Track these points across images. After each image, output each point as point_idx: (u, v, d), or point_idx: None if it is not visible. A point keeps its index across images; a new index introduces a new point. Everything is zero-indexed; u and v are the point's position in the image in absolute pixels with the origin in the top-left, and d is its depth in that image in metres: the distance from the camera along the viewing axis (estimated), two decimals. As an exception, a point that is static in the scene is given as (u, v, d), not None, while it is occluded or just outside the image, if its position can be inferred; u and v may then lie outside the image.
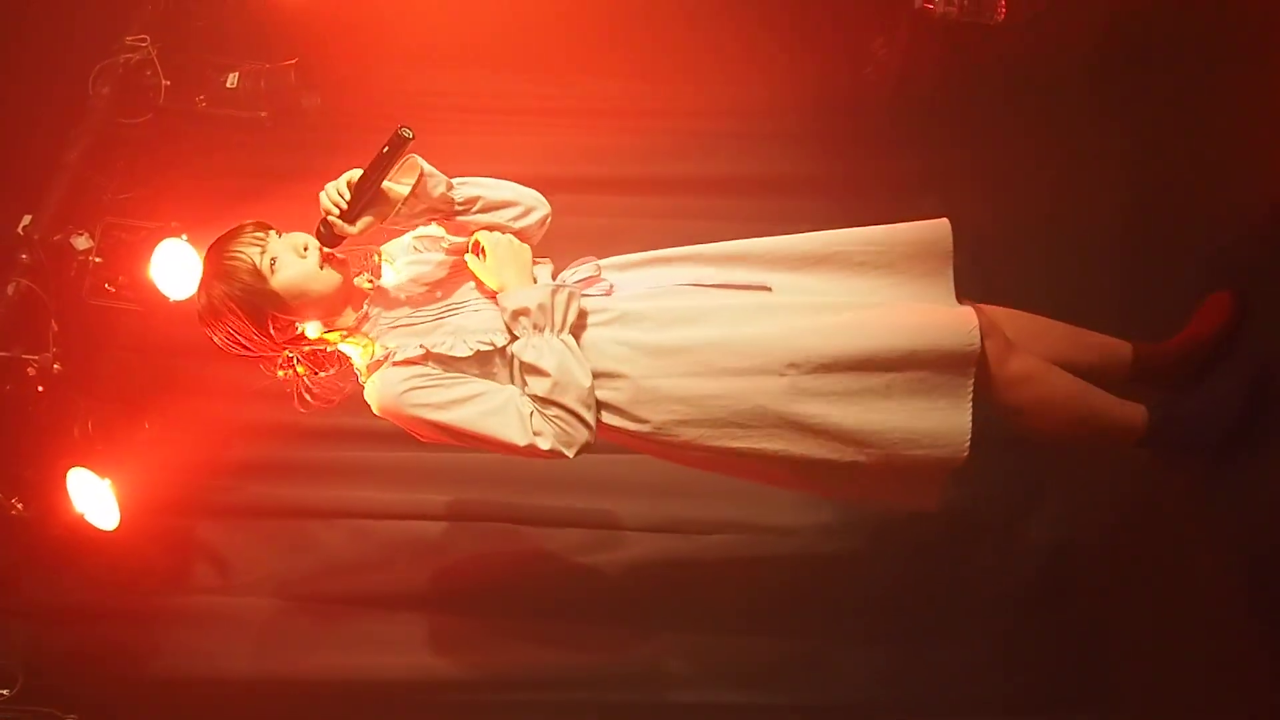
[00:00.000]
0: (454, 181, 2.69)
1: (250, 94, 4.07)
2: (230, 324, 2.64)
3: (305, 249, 2.62)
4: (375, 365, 2.67)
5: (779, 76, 4.56)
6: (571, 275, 2.84)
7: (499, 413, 2.61)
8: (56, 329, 3.53)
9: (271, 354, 2.71)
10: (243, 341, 2.67)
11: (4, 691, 3.10)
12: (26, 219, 3.61)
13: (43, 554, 3.54)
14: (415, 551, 3.81)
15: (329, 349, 2.74)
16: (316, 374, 2.76)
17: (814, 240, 2.86)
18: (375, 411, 2.69)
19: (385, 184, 2.54)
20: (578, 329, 2.69)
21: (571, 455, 2.61)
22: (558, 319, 2.62)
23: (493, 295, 2.72)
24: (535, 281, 2.71)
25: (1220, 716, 3.03)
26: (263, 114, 4.08)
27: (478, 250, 2.70)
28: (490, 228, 2.74)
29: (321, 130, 4.13)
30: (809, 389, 2.66)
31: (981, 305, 2.85)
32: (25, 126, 3.76)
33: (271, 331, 2.65)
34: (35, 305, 3.53)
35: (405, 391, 2.62)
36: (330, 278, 2.63)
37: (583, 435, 2.61)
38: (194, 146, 4.06)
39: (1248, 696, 2.92)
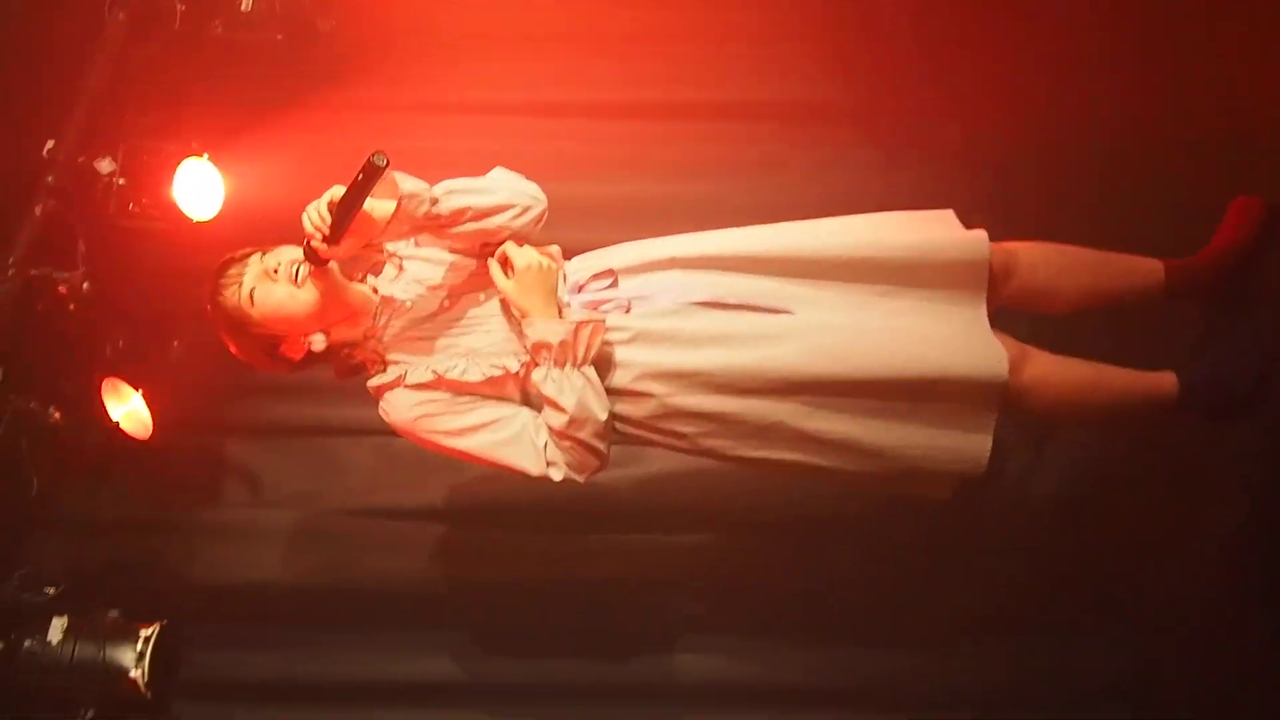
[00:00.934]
0: (440, 193, 2.68)
1: (265, 18, 4.07)
2: (248, 357, 2.77)
3: (276, 270, 2.66)
4: (388, 386, 2.74)
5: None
6: (587, 279, 2.84)
7: (513, 443, 2.68)
8: (84, 249, 3.58)
9: (296, 370, 2.83)
10: (265, 366, 2.80)
11: (49, 589, 3.17)
12: (50, 143, 3.66)
13: (79, 468, 3.60)
14: (438, 468, 3.83)
15: (353, 359, 2.83)
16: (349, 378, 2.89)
17: (843, 244, 2.81)
18: (393, 429, 2.77)
19: (368, 205, 2.53)
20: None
21: (583, 480, 2.69)
22: (580, 353, 2.62)
23: (507, 306, 2.74)
24: (560, 306, 2.72)
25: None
26: (278, 37, 4.08)
27: (505, 264, 2.69)
28: (488, 234, 2.74)
29: (337, 52, 4.16)
30: (831, 407, 2.69)
31: (1007, 243, 2.88)
32: (43, 55, 3.79)
33: (280, 353, 2.75)
34: (63, 226, 3.58)
35: (418, 418, 2.70)
36: (306, 295, 2.66)
37: (595, 465, 2.69)
38: (211, 70, 4.08)
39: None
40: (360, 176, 2.45)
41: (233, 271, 2.70)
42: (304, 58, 4.12)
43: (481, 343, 2.74)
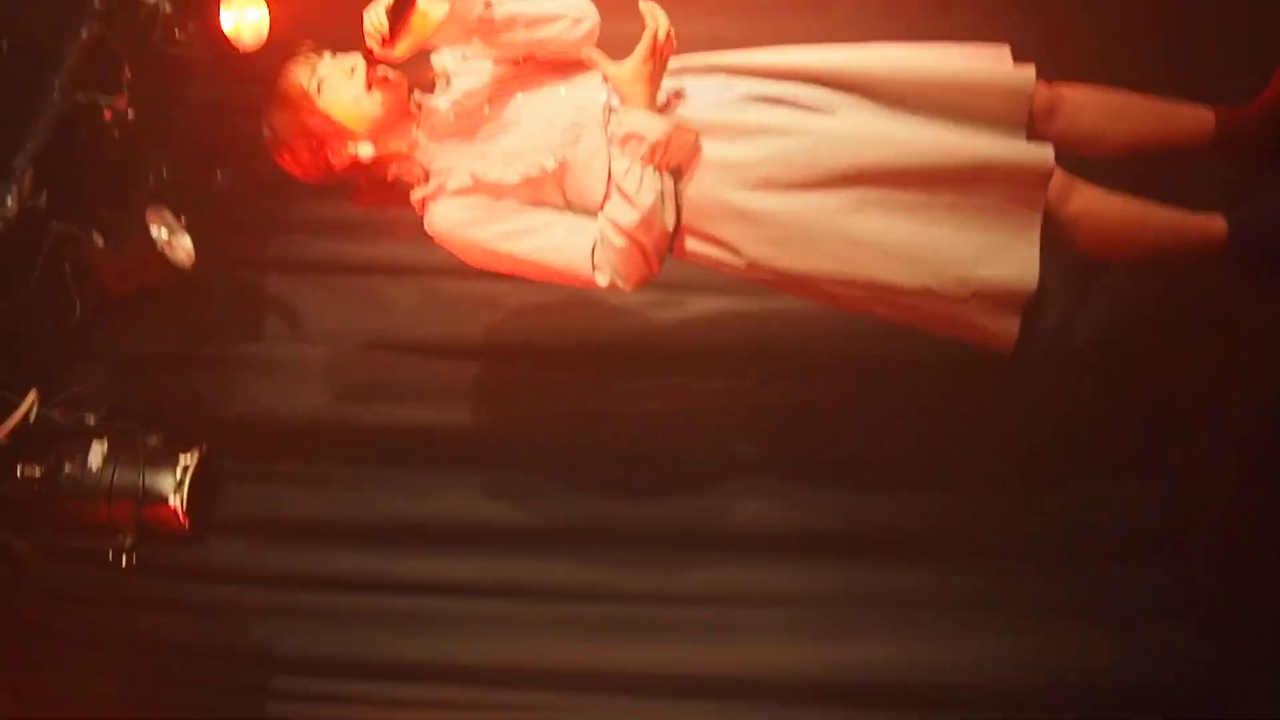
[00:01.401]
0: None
1: None
2: (289, 149, 2.75)
3: (353, 70, 2.66)
4: (431, 195, 2.70)
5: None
6: None
7: (560, 248, 2.64)
8: (130, 76, 3.53)
9: (331, 178, 2.81)
10: (302, 165, 2.78)
11: (89, 416, 3.19)
12: (97, -32, 3.60)
13: (121, 297, 3.60)
14: (482, 308, 3.85)
15: (391, 175, 2.79)
16: (384, 204, 2.87)
17: (887, 64, 2.76)
18: (435, 241, 2.76)
19: (423, 6, 2.48)
20: None
21: (629, 289, 2.64)
22: (670, 157, 2.57)
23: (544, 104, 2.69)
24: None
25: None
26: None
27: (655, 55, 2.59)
28: (538, 44, 2.69)
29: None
30: (874, 201, 2.63)
31: (1058, 84, 2.82)
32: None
33: (324, 153, 2.72)
34: (109, 52, 3.53)
35: (459, 223, 2.68)
36: (375, 100, 2.67)
37: (644, 273, 2.63)
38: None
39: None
40: None
41: (307, 57, 2.71)
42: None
43: (517, 142, 2.70)
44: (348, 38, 2.69)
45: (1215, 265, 2.88)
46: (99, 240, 3.39)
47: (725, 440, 3.69)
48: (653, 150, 2.55)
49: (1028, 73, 2.71)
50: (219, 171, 3.83)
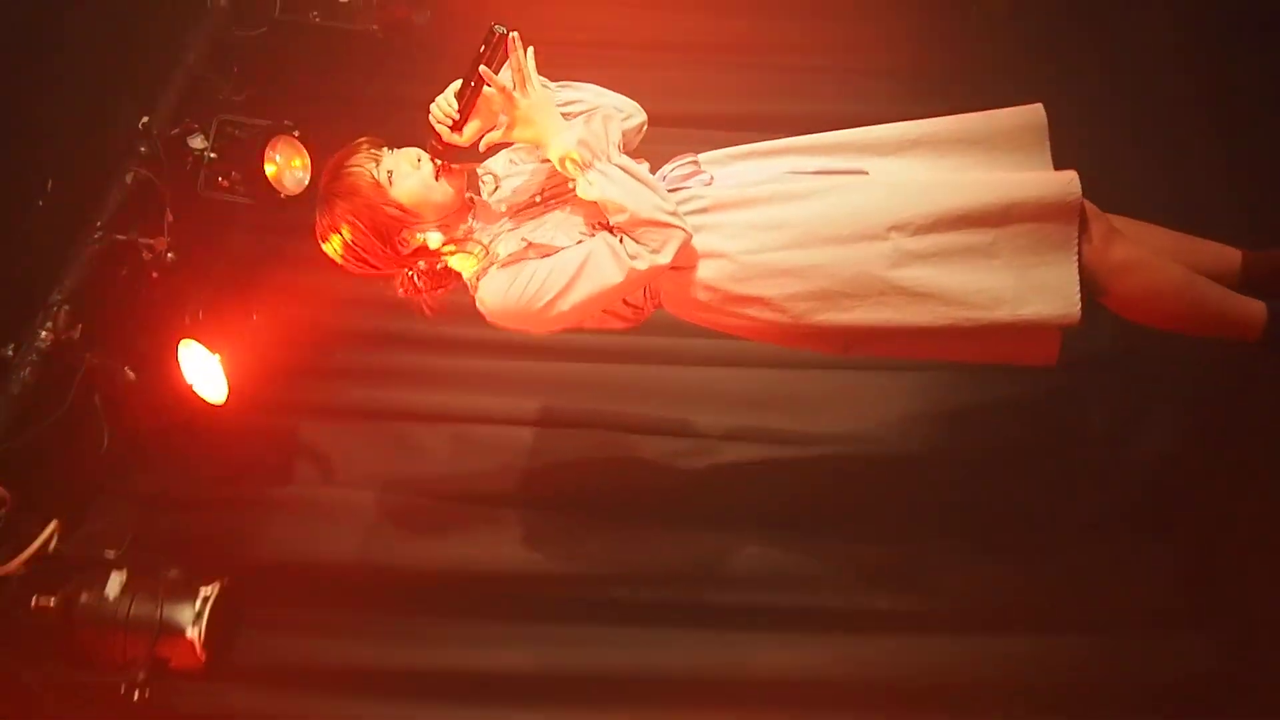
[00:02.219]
0: (552, 86, 2.73)
1: (363, 8, 4.14)
2: (354, 240, 2.70)
3: (419, 160, 2.69)
4: (482, 272, 2.71)
5: (886, 17, 4.57)
6: (671, 170, 2.87)
7: (591, 266, 2.63)
8: (171, 219, 3.60)
9: (392, 268, 2.77)
10: (366, 258, 2.74)
11: (110, 551, 3.13)
12: (145, 118, 3.69)
13: (152, 432, 3.58)
14: (514, 455, 3.82)
15: (443, 264, 2.77)
16: (435, 290, 2.81)
17: (908, 125, 2.86)
18: (488, 319, 2.74)
19: (488, 89, 2.58)
20: (689, 219, 2.69)
21: (668, 261, 2.62)
22: (602, 146, 2.61)
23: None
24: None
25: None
26: (374, 28, 4.15)
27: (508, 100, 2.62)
28: None
29: (431, 44, 4.18)
30: (912, 251, 2.67)
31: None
32: (144, 35, 3.84)
33: (396, 244, 2.71)
34: (152, 195, 3.61)
35: (508, 289, 2.65)
36: (445, 187, 2.70)
37: (677, 238, 2.62)
38: (307, 56, 4.13)
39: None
40: (482, 48, 2.53)
41: (369, 151, 2.71)
42: (398, 49, 4.13)
43: (569, 212, 2.75)
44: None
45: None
46: (131, 375, 3.40)
47: (759, 591, 3.57)
48: (585, 149, 2.59)
49: (1072, 181, 2.72)
50: (255, 316, 3.84)
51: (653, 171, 2.82)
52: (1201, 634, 3.34)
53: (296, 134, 3.73)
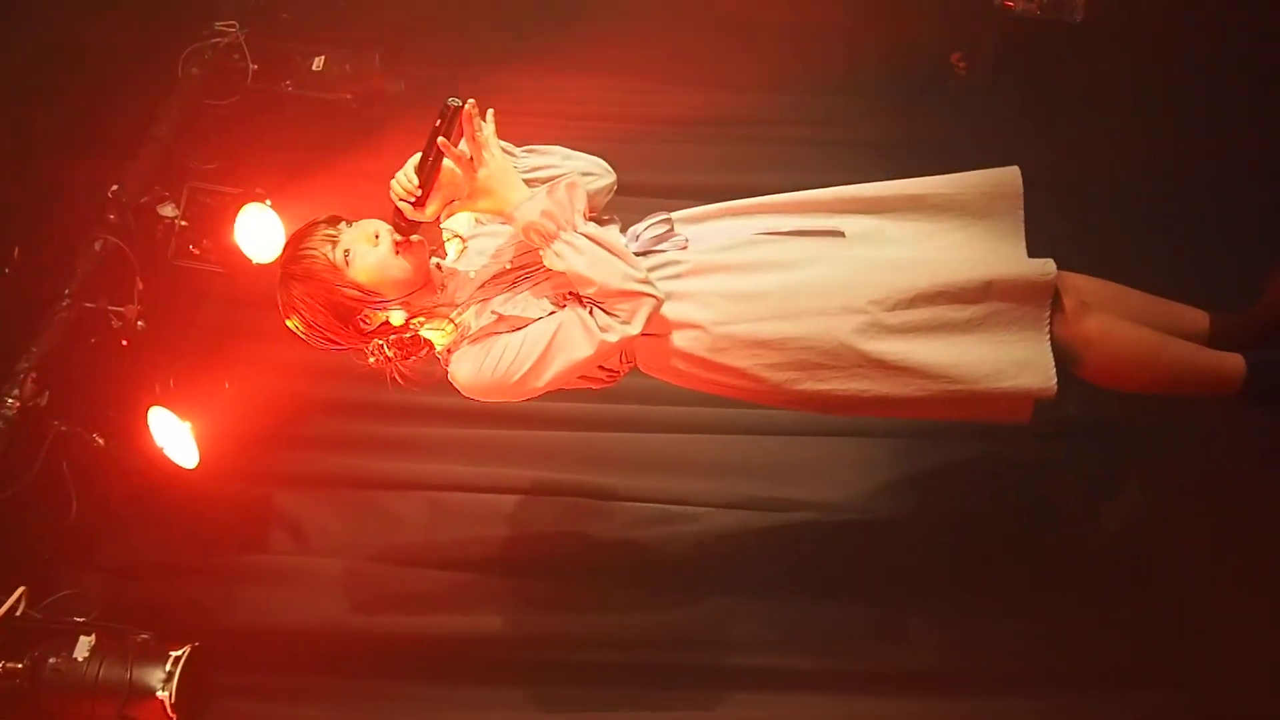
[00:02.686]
0: (518, 151, 2.70)
1: (336, 78, 4.18)
2: (314, 320, 2.65)
3: (377, 236, 2.63)
4: (454, 346, 2.68)
5: (863, 90, 4.65)
6: (644, 229, 2.82)
7: (561, 339, 2.59)
8: (141, 287, 3.59)
9: (357, 344, 2.72)
10: (329, 336, 2.69)
11: (80, 618, 3.09)
12: (115, 186, 3.70)
13: (123, 500, 3.56)
14: (491, 523, 3.78)
15: (412, 334, 2.74)
16: (406, 359, 2.77)
17: (883, 186, 2.86)
18: (462, 393, 2.70)
19: (449, 162, 2.53)
20: (661, 284, 2.65)
21: (638, 331, 2.56)
22: (568, 215, 2.55)
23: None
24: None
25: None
26: (347, 97, 4.19)
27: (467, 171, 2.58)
28: None
29: (404, 112, 4.20)
30: (890, 325, 2.66)
31: (1061, 272, 2.83)
32: (114, 104, 3.85)
33: (358, 324, 2.66)
34: (122, 263, 3.61)
35: (481, 366, 2.62)
36: (405, 263, 2.63)
37: (646, 304, 2.57)
38: (279, 124, 4.15)
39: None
40: (438, 122, 2.46)
41: (326, 231, 2.65)
42: (372, 118, 4.16)
43: (538, 290, 2.69)
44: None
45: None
46: (100, 441, 3.38)
47: (734, 653, 3.52)
48: (549, 220, 2.54)
49: (1014, 170, 2.81)
50: (226, 384, 3.82)
51: (624, 230, 2.79)
52: (1168, 693, 3.30)
53: (268, 202, 3.72)
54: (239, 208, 3.70)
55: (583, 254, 2.54)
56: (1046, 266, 2.68)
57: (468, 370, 2.63)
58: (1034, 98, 4.37)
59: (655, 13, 4.65)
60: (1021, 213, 2.81)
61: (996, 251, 2.76)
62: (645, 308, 2.56)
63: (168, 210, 3.77)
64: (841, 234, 2.79)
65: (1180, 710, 3.28)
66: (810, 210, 2.83)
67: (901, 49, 4.63)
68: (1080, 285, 2.86)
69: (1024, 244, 2.80)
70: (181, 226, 3.76)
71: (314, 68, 4.17)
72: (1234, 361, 2.80)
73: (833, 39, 4.67)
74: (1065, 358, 2.70)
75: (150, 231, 3.73)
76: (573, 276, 2.56)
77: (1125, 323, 2.79)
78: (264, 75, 4.13)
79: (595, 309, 2.57)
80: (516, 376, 2.60)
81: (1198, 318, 2.99)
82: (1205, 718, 3.25)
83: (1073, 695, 3.35)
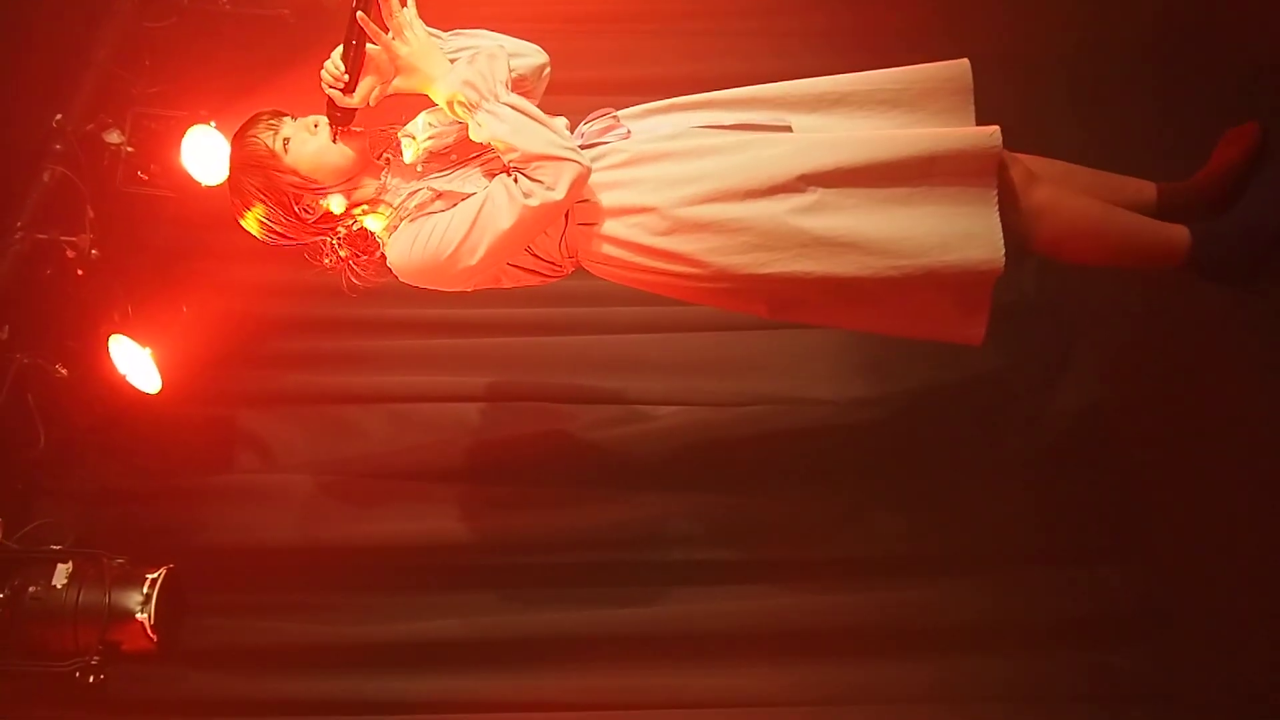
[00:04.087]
0: (444, 35, 2.70)
1: (273, -7, 4.14)
2: (259, 211, 2.72)
3: (315, 126, 2.70)
4: (392, 228, 2.71)
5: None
6: (587, 125, 2.84)
7: (487, 210, 2.58)
8: (93, 215, 3.59)
9: (306, 237, 2.77)
10: (275, 229, 2.74)
11: (55, 546, 3.14)
12: (59, 116, 3.68)
13: (88, 428, 3.59)
14: (452, 431, 3.86)
15: (356, 225, 2.77)
16: (359, 257, 2.80)
17: (832, 80, 2.85)
18: (400, 278, 2.73)
19: (373, 47, 2.59)
20: (601, 173, 2.68)
21: (563, 196, 2.54)
22: (489, 85, 2.56)
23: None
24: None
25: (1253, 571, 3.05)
26: (285, 12, 4.15)
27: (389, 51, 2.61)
28: None
29: (341, 24, 4.15)
30: (831, 203, 2.65)
31: (1007, 152, 2.84)
32: (53, 30, 3.81)
33: (297, 210, 2.71)
34: (71, 192, 3.60)
35: (413, 245, 2.64)
36: (344, 150, 2.69)
37: (569, 169, 2.54)
38: (218, 43, 4.12)
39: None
40: (352, 6, 2.54)
41: (269, 122, 2.72)
42: (309, 32, 4.13)
43: (475, 169, 2.74)
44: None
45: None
46: (63, 372, 3.41)
47: (700, 548, 3.64)
48: (471, 90, 2.55)
49: (965, 67, 2.80)
50: (184, 308, 3.84)
51: (571, 129, 2.79)
52: (1119, 569, 3.43)
53: (213, 123, 3.72)
54: (184, 130, 3.68)
55: (504, 121, 2.54)
56: (993, 137, 2.66)
57: (401, 250, 2.66)
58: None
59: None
60: (972, 107, 2.80)
61: (941, 131, 2.75)
62: (569, 171, 2.54)
63: (113, 137, 3.75)
64: (788, 128, 2.79)
65: (1138, 583, 3.40)
66: (755, 106, 2.83)
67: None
68: (1026, 161, 2.86)
69: (973, 124, 2.79)
70: (128, 153, 3.74)
71: (250, -16, 4.13)
72: (1179, 232, 2.84)
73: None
74: (1015, 233, 2.69)
75: (97, 159, 3.70)
76: (495, 144, 2.57)
77: (1073, 194, 2.83)
78: (200, -7, 4.09)
79: (519, 175, 2.56)
80: (446, 254, 2.61)
81: (1144, 188, 3.01)
82: (1163, 590, 3.36)
83: (1032, 572, 3.47)
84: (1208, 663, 3.20)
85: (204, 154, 3.68)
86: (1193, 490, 3.34)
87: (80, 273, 3.56)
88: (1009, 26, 3.99)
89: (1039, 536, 3.51)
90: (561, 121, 2.74)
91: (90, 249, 3.55)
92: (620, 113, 2.87)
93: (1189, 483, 3.35)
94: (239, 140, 2.73)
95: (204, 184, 3.68)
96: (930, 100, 2.81)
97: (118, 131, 3.75)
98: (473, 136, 2.61)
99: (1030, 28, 3.99)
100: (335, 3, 4.17)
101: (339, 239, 2.78)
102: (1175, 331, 3.41)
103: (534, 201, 2.53)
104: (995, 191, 2.66)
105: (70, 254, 3.53)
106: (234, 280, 3.98)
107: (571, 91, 2.93)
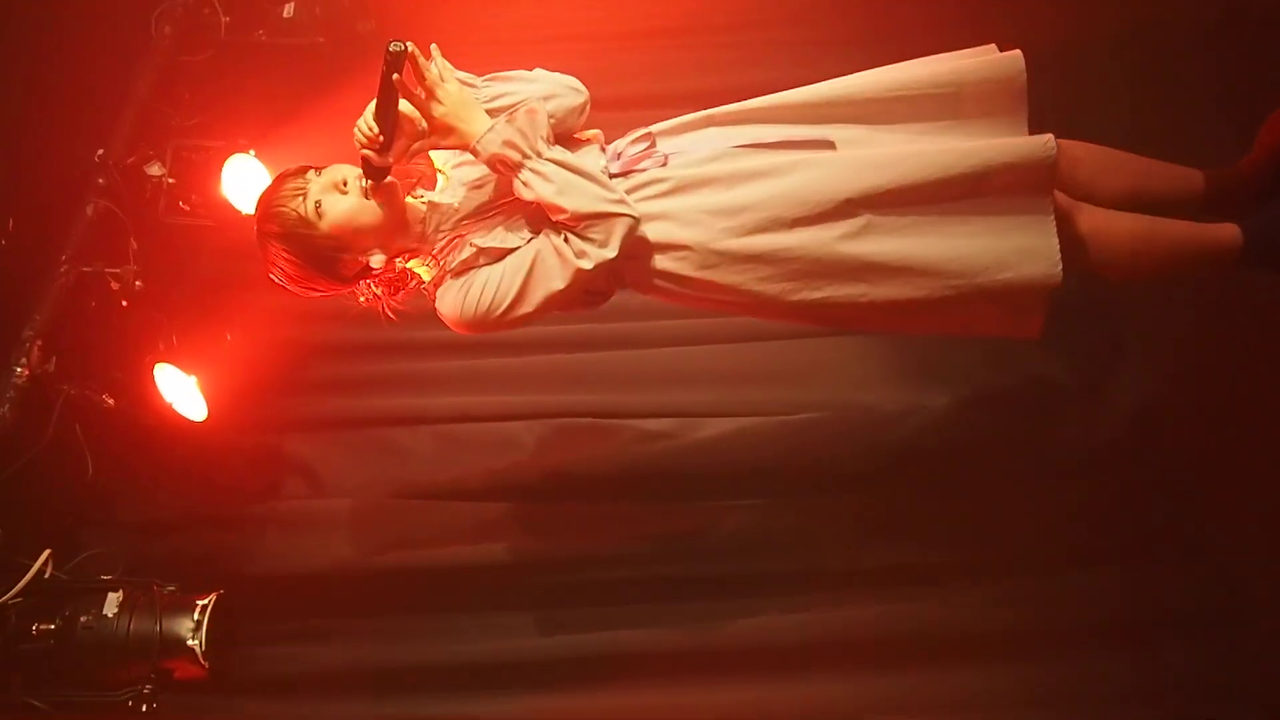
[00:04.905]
0: (479, 81, 2.68)
1: (307, 22, 4.17)
2: (295, 274, 2.68)
3: (345, 183, 2.63)
4: (439, 280, 2.68)
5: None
6: (625, 145, 2.78)
7: (538, 270, 2.57)
8: (136, 246, 3.63)
9: (342, 290, 2.75)
10: (313, 286, 2.72)
11: (106, 576, 3.16)
12: (100, 151, 3.72)
13: (136, 458, 3.62)
14: (497, 450, 3.84)
15: (400, 269, 2.75)
16: (395, 294, 2.78)
17: (876, 84, 2.74)
18: (451, 328, 2.71)
19: (406, 109, 2.55)
20: (644, 204, 2.63)
21: (616, 252, 2.53)
22: (530, 142, 2.53)
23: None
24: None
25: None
26: (320, 40, 4.18)
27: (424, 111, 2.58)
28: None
29: (377, 51, 4.18)
30: (881, 226, 2.59)
31: (1059, 141, 2.76)
32: (92, 69, 3.86)
33: (335, 270, 2.68)
34: (115, 225, 3.64)
35: (464, 300, 2.62)
36: (376, 207, 2.63)
37: (620, 224, 2.53)
38: (256, 74, 4.15)
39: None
40: (384, 69, 2.48)
41: (294, 185, 2.65)
42: (345, 59, 4.16)
43: (518, 219, 2.68)
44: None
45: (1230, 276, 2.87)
46: (110, 401, 3.43)
47: (752, 559, 3.59)
48: (513, 150, 2.52)
49: (1017, 60, 2.69)
50: (228, 336, 3.86)
51: (605, 146, 2.77)
52: (1178, 567, 3.38)
53: (252, 152, 3.75)
54: (224, 160, 3.72)
55: (550, 180, 2.52)
56: (1047, 146, 2.57)
57: (451, 304, 2.64)
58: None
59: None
60: (1025, 113, 2.68)
61: (992, 142, 2.64)
62: (620, 228, 2.53)
63: (155, 169, 3.79)
64: (831, 144, 2.70)
65: (1198, 580, 3.34)
66: (795, 118, 2.74)
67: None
68: (1079, 156, 2.83)
69: (1025, 130, 2.69)
70: (170, 184, 3.78)
71: (285, 14, 4.16)
72: (1228, 231, 2.77)
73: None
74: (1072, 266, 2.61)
75: (139, 191, 3.75)
76: (544, 204, 2.54)
77: (1115, 216, 2.75)
78: (236, 27, 4.13)
79: (570, 235, 2.54)
80: (499, 311, 2.60)
81: (1191, 176, 2.95)
82: (1225, 587, 3.31)
83: (1090, 573, 3.41)
84: (1275, 659, 3.14)
85: (244, 183, 3.72)
86: (1251, 485, 3.29)
87: (125, 303, 3.60)
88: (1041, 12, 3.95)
89: (1095, 537, 3.45)
90: (596, 138, 2.74)
91: (134, 280, 3.59)
92: (654, 128, 2.80)
93: (1247, 477, 3.30)
94: (267, 209, 2.66)
95: (244, 212, 3.71)
96: (981, 103, 2.70)
97: (159, 164, 3.80)
98: (518, 194, 2.58)
99: (1066, 12, 3.95)
100: (370, 29, 4.21)
101: (376, 281, 2.76)
102: (1228, 323, 3.37)
103: (587, 264, 2.53)
104: (1051, 202, 2.59)
105: (115, 285, 3.57)
106: (276, 307, 3.98)
107: (602, 108, 2.89)
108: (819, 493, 3.63)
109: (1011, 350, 3.64)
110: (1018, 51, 2.70)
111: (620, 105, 3.85)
